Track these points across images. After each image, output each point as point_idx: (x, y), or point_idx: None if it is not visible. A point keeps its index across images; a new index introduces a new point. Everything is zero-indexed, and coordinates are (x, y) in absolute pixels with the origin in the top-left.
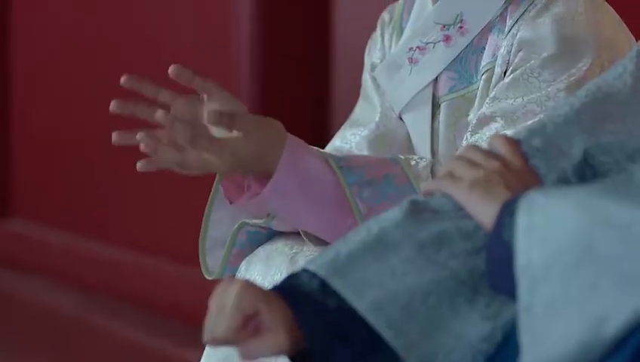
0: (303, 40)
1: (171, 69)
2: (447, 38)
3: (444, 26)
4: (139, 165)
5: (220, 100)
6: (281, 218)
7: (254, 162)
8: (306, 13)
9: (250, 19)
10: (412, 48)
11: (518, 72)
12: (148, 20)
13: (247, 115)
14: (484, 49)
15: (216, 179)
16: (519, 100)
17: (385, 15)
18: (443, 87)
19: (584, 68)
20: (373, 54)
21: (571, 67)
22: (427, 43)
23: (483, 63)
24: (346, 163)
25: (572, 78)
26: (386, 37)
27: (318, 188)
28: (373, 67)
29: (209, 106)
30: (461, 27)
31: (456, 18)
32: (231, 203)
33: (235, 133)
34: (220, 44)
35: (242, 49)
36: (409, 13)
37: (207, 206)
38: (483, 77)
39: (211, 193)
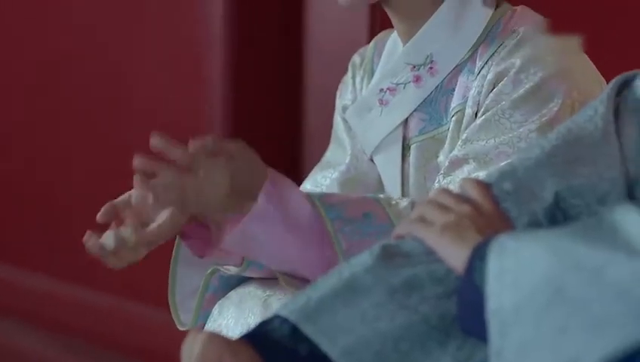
0: (275, 80)
1: (152, 141)
2: (417, 79)
3: (414, 67)
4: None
5: (207, 170)
6: (256, 256)
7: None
8: (279, 54)
9: (223, 61)
10: (382, 90)
11: (489, 113)
12: (119, 63)
13: (229, 144)
14: (454, 90)
15: (177, 238)
16: (491, 142)
17: (356, 58)
18: (413, 129)
19: (555, 108)
20: (344, 96)
21: (542, 108)
22: (397, 84)
23: (453, 105)
24: (326, 199)
25: (543, 119)
26: (357, 79)
27: (299, 219)
28: (344, 109)
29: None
30: (431, 67)
31: (427, 59)
32: (202, 257)
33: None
34: (192, 83)
35: (214, 90)
36: (380, 56)
37: (171, 264)
38: (453, 118)
39: (174, 251)
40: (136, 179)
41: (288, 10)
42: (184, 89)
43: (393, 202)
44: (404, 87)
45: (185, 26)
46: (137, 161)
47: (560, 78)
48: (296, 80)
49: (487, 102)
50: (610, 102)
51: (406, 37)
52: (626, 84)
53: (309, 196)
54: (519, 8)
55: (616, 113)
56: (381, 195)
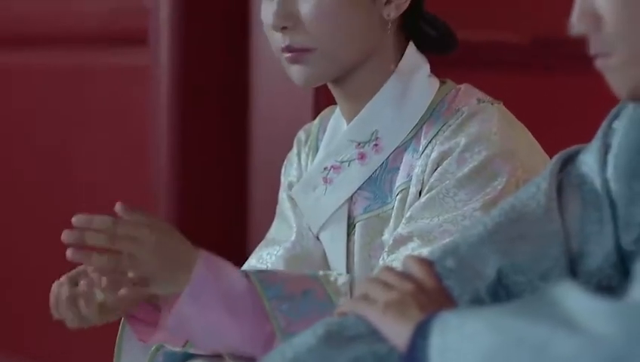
0: (221, 156)
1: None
2: (362, 156)
3: (359, 144)
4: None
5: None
6: (195, 339)
7: (172, 267)
8: (225, 129)
9: (169, 134)
10: (327, 168)
11: (433, 191)
12: (63, 142)
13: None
14: (399, 169)
15: (122, 321)
16: (435, 220)
17: (301, 134)
18: (358, 207)
19: (499, 187)
20: (289, 173)
21: (486, 186)
22: (342, 162)
23: (398, 183)
24: (264, 276)
25: (487, 197)
26: (303, 156)
27: (236, 298)
28: (290, 186)
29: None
30: (376, 145)
31: (372, 136)
32: (144, 342)
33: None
34: (138, 166)
35: (160, 174)
36: (324, 133)
37: (117, 340)
38: (398, 197)
39: (120, 328)
40: (72, 254)
41: (233, 85)
42: (130, 175)
43: (332, 279)
44: (348, 165)
45: (132, 111)
46: (65, 235)
47: (504, 157)
48: (242, 155)
49: (431, 180)
50: (552, 179)
51: (350, 115)
52: (568, 160)
53: (247, 274)
54: (463, 86)
55: (560, 189)
56: (320, 272)
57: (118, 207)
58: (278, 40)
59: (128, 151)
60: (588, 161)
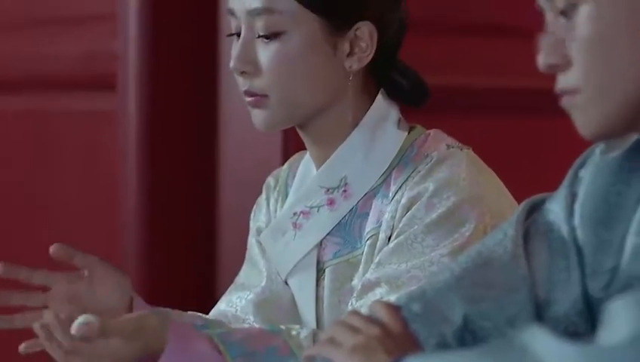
0: (189, 201)
1: (52, 250)
2: (331, 202)
3: (328, 190)
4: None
5: (102, 275)
6: None
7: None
8: (194, 174)
9: (138, 181)
10: (296, 213)
11: (402, 237)
12: (31, 186)
13: (122, 319)
14: (369, 215)
15: None
16: (403, 266)
17: (270, 180)
18: (327, 252)
19: (467, 233)
20: (258, 218)
21: (454, 232)
22: (311, 207)
23: (367, 229)
24: (228, 337)
25: (455, 244)
26: (272, 201)
27: (201, 359)
28: (259, 231)
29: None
30: (345, 191)
31: (341, 181)
32: None
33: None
34: (106, 211)
35: (129, 219)
36: (293, 178)
37: None
38: (367, 242)
39: None
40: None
41: (202, 129)
42: (98, 219)
43: (294, 333)
44: (317, 211)
45: (100, 156)
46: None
47: (472, 203)
48: (210, 200)
49: (400, 226)
50: (519, 226)
51: (320, 161)
52: (535, 208)
53: (213, 339)
54: (432, 132)
55: (526, 236)
56: (282, 326)
57: (52, 248)
58: (240, 83)
59: (97, 196)
60: (555, 209)
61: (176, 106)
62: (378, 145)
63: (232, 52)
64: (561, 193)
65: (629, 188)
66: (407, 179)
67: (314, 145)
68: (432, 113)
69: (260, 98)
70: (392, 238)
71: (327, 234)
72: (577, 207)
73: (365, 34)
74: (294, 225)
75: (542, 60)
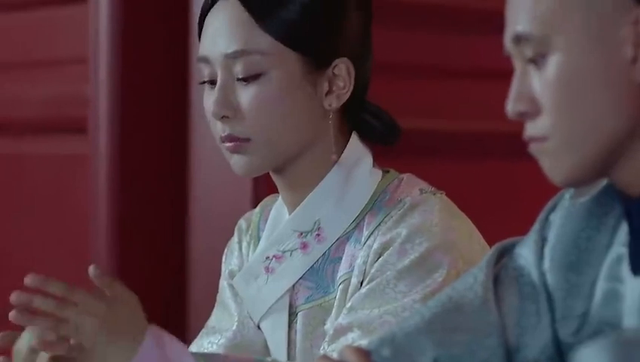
0: (161, 244)
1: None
2: (304, 246)
3: (301, 233)
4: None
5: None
6: None
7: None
8: (165, 217)
9: (107, 234)
10: (269, 257)
11: (374, 282)
12: (2, 229)
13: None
14: (341, 259)
15: None
16: (375, 311)
17: (242, 223)
18: (300, 297)
19: (440, 279)
20: (230, 262)
21: (427, 278)
22: (284, 251)
23: (340, 273)
24: (210, 357)
25: (428, 289)
26: (244, 244)
27: None
28: (231, 274)
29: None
30: (319, 234)
31: (314, 225)
32: None
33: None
34: (77, 256)
35: (99, 263)
36: (265, 222)
37: None
38: (340, 287)
39: None
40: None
41: (172, 174)
42: (69, 264)
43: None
44: (290, 255)
45: (71, 200)
46: (15, 297)
47: (445, 249)
48: (181, 243)
49: (372, 271)
50: (489, 270)
51: (293, 204)
52: (505, 252)
53: (194, 353)
54: (406, 176)
55: (496, 281)
56: (268, 358)
57: (91, 269)
58: (218, 129)
59: (67, 240)
60: (525, 253)
61: (147, 150)
62: (352, 189)
63: (206, 99)
64: (532, 237)
65: (599, 234)
66: (379, 224)
67: (288, 188)
68: (405, 156)
69: (241, 143)
70: (365, 283)
71: (300, 278)
72: (547, 251)
73: (343, 71)
74: (267, 269)
75: (510, 107)
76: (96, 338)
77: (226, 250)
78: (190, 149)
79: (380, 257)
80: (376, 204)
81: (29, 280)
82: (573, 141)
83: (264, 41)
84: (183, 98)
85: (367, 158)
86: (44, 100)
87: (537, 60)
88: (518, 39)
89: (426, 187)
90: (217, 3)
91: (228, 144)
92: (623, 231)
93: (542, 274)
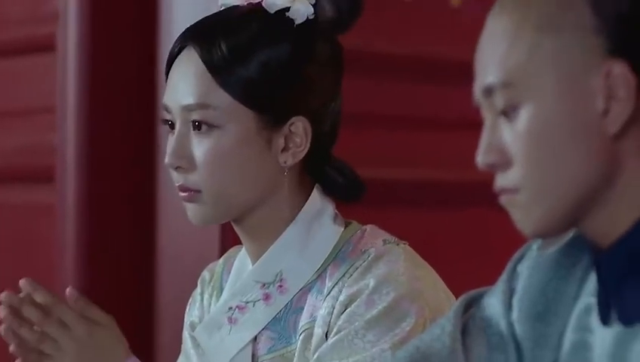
0: (127, 293)
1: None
2: (267, 297)
3: (264, 285)
4: None
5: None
6: None
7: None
8: (131, 266)
9: (75, 283)
10: (232, 308)
11: (342, 333)
12: None
13: None
14: (303, 309)
15: None
16: (344, 361)
17: (206, 273)
18: (262, 347)
19: (407, 328)
20: (192, 313)
21: (395, 327)
22: (247, 302)
23: (301, 323)
24: None
25: (396, 338)
26: (206, 296)
27: None
28: (192, 326)
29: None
30: (281, 286)
31: (277, 276)
32: None
33: None
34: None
35: None
36: (229, 273)
37: None
38: (301, 337)
39: None
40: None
41: (140, 223)
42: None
43: None
44: (253, 305)
45: (38, 250)
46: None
47: (412, 298)
48: (148, 293)
49: (339, 322)
50: (457, 321)
51: (255, 255)
52: (473, 302)
53: None
54: (368, 227)
55: (464, 331)
56: None
57: (69, 291)
58: (174, 178)
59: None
60: (493, 303)
61: (114, 199)
62: (314, 240)
63: (168, 146)
64: (499, 288)
65: (567, 284)
66: (344, 275)
67: (249, 240)
68: (372, 206)
69: (193, 193)
70: (332, 335)
71: (263, 328)
72: (515, 301)
73: (300, 129)
74: (230, 319)
75: (481, 159)
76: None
77: (189, 300)
78: (157, 198)
79: (346, 309)
80: (340, 255)
81: (23, 283)
82: (544, 193)
83: (220, 96)
84: (150, 147)
85: (329, 210)
86: (11, 149)
87: (508, 112)
88: (489, 91)
89: (389, 238)
90: (182, 52)
91: (182, 193)
92: (592, 282)
93: (510, 325)
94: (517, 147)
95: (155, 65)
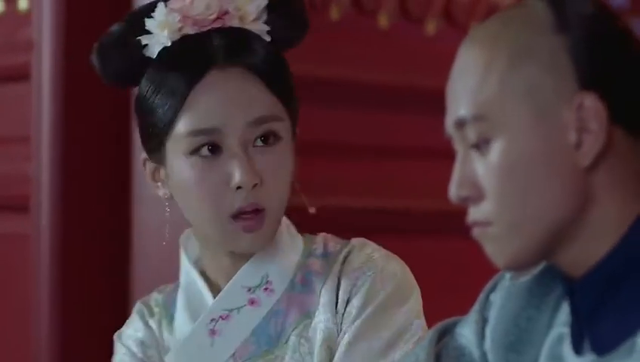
0: (101, 324)
1: None
2: (252, 301)
3: (249, 289)
4: None
5: None
6: None
7: None
8: (104, 301)
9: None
10: (214, 319)
11: (369, 310)
12: None
13: None
14: (284, 311)
15: None
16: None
17: (142, 307)
18: (241, 354)
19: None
20: (134, 334)
21: (410, 297)
22: (231, 310)
23: (290, 324)
24: None
25: (417, 306)
26: (153, 325)
27: None
28: (143, 344)
29: None
30: (267, 288)
31: (262, 279)
32: None
33: None
34: (19, 335)
35: (41, 344)
36: (173, 301)
37: None
38: (293, 335)
39: None
40: None
41: (115, 252)
42: (10, 344)
43: None
44: (238, 312)
45: (13, 280)
46: None
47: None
48: (123, 321)
49: (354, 307)
50: (431, 349)
51: (232, 265)
52: (446, 332)
53: None
54: (325, 234)
55: (438, 360)
56: None
57: None
58: (238, 200)
59: (9, 320)
60: (466, 333)
61: (89, 228)
62: (288, 241)
63: (201, 173)
64: (472, 317)
65: (540, 313)
66: (333, 266)
67: (230, 257)
68: (339, 234)
69: (260, 213)
70: (349, 320)
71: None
72: (488, 331)
73: (295, 139)
74: (212, 332)
75: (453, 193)
76: None
77: (119, 341)
78: (132, 228)
79: (354, 294)
80: (313, 254)
81: None
82: (516, 227)
83: (277, 105)
84: (125, 177)
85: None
86: None
87: (480, 145)
88: (460, 124)
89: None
90: (207, 76)
91: (247, 219)
92: (564, 312)
93: (483, 354)
94: (489, 181)
95: (129, 93)
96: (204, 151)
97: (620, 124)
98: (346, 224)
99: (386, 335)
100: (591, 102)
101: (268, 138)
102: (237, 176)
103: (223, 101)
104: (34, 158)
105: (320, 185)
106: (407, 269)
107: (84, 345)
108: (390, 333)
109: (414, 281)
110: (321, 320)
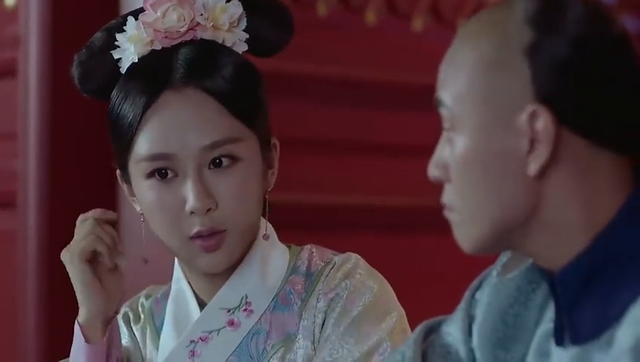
0: None
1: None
2: (232, 323)
3: (229, 311)
4: None
5: None
6: None
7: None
8: None
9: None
10: (194, 341)
11: (345, 322)
12: None
13: None
14: (264, 331)
15: None
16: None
17: (128, 311)
18: None
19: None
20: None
21: (385, 317)
22: (210, 332)
23: (271, 344)
24: None
25: (390, 325)
26: (137, 332)
27: None
28: (125, 350)
29: None
30: (246, 309)
31: (242, 300)
32: None
33: None
34: (6, 331)
35: (28, 340)
36: (160, 316)
37: None
38: (275, 356)
39: None
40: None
41: None
42: None
43: None
44: (217, 334)
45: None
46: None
47: (389, 293)
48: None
49: (328, 327)
50: (417, 347)
51: (213, 285)
52: (432, 330)
53: None
54: (309, 246)
55: (424, 358)
56: None
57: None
58: (194, 224)
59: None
60: (452, 331)
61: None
62: (270, 260)
63: (158, 196)
64: (458, 315)
65: (527, 310)
66: (316, 285)
67: (205, 276)
68: (315, 231)
69: (220, 235)
70: (323, 338)
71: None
72: (475, 328)
73: (276, 150)
74: (192, 353)
75: (429, 171)
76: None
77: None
78: (119, 226)
79: (330, 313)
80: (295, 272)
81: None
82: (471, 217)
83: (236, 126)
84: (112, 173)
85: (274, 233)
86: None
87: (450, 133)
88: (437, 105)
89: (335, 252)
90: (162, 98)
91: (206, 239)
92: (551, 309)
93: (470, 351)
94: (452, 168)
95: None
96: (160, 174)
97: (580, 134)
98: (331, 220)
99: (355, 353)
100: (543, 113)
101: (222, 162)
102: (190, 202)
103: (177, 125)
104: (21, 155)
105: (307, 182)
106: (388, 288)
107: (71, 343)
108: (359, 353)
109: (396, 302)
110: (301, 346)
